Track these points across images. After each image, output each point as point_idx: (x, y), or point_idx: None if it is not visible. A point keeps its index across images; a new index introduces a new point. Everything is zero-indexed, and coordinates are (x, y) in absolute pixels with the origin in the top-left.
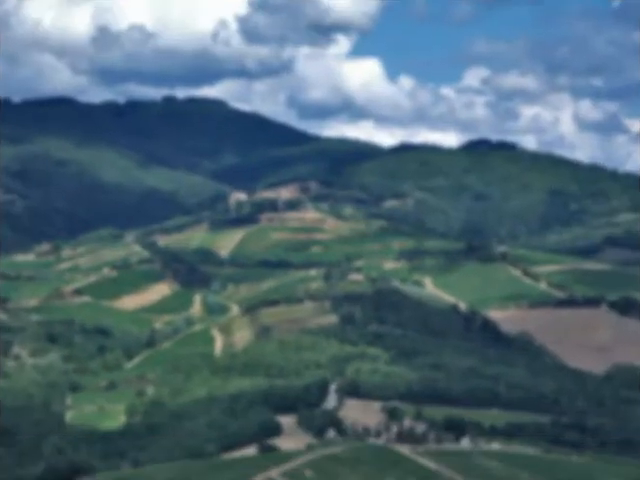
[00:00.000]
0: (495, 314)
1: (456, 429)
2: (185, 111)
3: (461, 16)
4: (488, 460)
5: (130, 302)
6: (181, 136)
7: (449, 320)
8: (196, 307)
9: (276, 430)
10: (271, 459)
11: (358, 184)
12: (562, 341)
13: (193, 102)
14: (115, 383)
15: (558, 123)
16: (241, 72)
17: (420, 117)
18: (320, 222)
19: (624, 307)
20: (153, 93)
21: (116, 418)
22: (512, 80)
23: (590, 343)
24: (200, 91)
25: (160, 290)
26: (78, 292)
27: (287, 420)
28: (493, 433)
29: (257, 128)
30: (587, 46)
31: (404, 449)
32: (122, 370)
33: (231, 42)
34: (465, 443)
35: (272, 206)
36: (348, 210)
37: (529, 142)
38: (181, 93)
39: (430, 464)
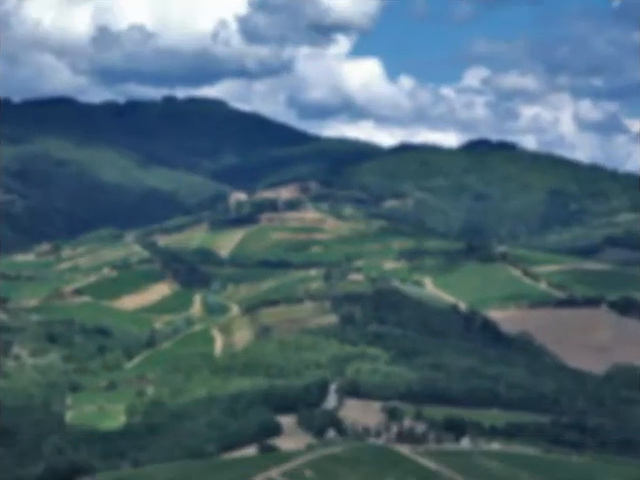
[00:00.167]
0: (495, 314)
1: (456, 429)
2: (185, 111)
3: (461, 16)
4: (488, 460)
5: (130, 302)
6: (181, 136)
7: (449, 320)
8: (196, 307)
9: (276, 430)
10: (271, 459)
11: (358, 184)
12: (562, 341)
13: (193, 102)
14: (115, 383)
15: (558, 123)
16: (241, 72)
17: (420, 117)
18: (320, 222)
19: (624, 307)
20: (153, 93)
21: (116, 418)
22: (512, 80)
23: (590, 343)
24: (200, 91)
25: (160, 290)
26: (78, 292)
27: (287, 420)
28: (493, 433)
29: (257, 128)
30: (587, 46)
31: (404, 449)
32: (122, 370)
33: (231, 42)
34: (465, 443)
35: (272, 206)
36: (348, 210)
37: (529, 142)
38: (181, 93)
39: (430, 464)
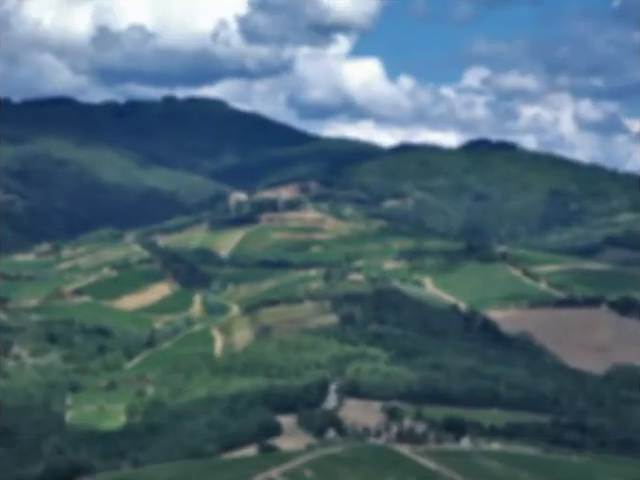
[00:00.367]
0: (495, 314)
1: (456, 429)
2: (185, 111)
3: (461, 16)
4: (488, 460)
5: (130, 302)
6: (181, 136)
7: (449, 320)
8: (196, 307)
9: (276, 430)
10: (271, 459)
11: (358, 184)
12: (562, 341)
13: (193, 102)
14: (115, 383)
15: (558, 123)
16: (241, 72)
17: (420, 117)
18: (320, 222)
19: (624, 307)
20: (153, 93)
21: (116, 418)
22: (512, 80)
23: (590, 343)
24: (200, 91)
25: (160, 290)
26: (78, 292)
27: (287, 420)
28: (493, 433)
29: (257, 128)
30: (587, 46)
31: (404, 449)
32: (122, 370)
33: (231, 42)
34: (465, 443)
35: (272, 206)
36: (348, 210)
37: (529, 142)
38: (181, 93)
39: (430, 464)
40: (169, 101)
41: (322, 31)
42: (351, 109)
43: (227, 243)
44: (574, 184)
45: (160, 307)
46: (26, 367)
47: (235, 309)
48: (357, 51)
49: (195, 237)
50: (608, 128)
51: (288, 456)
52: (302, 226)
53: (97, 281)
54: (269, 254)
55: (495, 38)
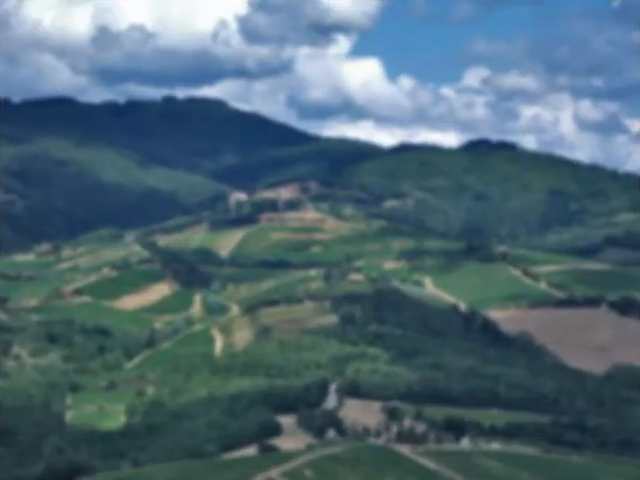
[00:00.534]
0: (495, 314)
1: (456, 429)
2: (185, 111)
3: (461, 16)
4: (488, 460)
5: (130, 302)
6: (181, 136)
7: (449, 320)
8: (196, 307)
9: (276, 430)
10: (271, 459)
11: (358, 184)
12: (562, 341)
13: (193, 102)
14: (115, 383)
15: (558, 123)
16: (241, 72)
17: (420, 117)
18: (320, 222)
19: (624, 307)
20: (153, 93)
21: (116, 418)
22: (512, 80)
23: (590, 343)
24: (200, 91)
25: (160, 290)
26: (78, 292)
27: (287, 420)
28: (493, 433)
29: (257, 128)
30: (587, 46)
31: (404, 449)
32: (122, 370)
33: (231, 42)
34: (465, 443)
35: (272, 206)
36: (348, 210)
37: (529, 142)
38: (181, 93)
39: (430, 464)
40: (169, 101)
41: (322, 31)
42: (351, 109)
43: (227, 243)
44: (574, 184)
45: (160, 307)
46: (26, 367)
47: (235, 309)
48: (357, 51)
49: (195, 237)
50: (608, 128)
51: (288, 456)
52: (302, 226)
53: (97, 281)
54: (269, 254)
55: (495, 38)
